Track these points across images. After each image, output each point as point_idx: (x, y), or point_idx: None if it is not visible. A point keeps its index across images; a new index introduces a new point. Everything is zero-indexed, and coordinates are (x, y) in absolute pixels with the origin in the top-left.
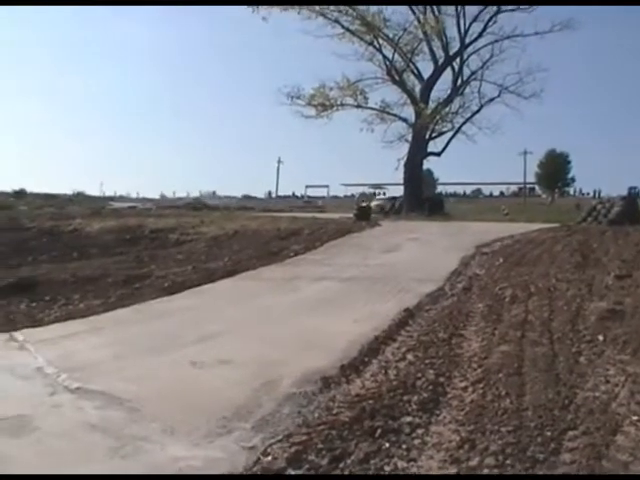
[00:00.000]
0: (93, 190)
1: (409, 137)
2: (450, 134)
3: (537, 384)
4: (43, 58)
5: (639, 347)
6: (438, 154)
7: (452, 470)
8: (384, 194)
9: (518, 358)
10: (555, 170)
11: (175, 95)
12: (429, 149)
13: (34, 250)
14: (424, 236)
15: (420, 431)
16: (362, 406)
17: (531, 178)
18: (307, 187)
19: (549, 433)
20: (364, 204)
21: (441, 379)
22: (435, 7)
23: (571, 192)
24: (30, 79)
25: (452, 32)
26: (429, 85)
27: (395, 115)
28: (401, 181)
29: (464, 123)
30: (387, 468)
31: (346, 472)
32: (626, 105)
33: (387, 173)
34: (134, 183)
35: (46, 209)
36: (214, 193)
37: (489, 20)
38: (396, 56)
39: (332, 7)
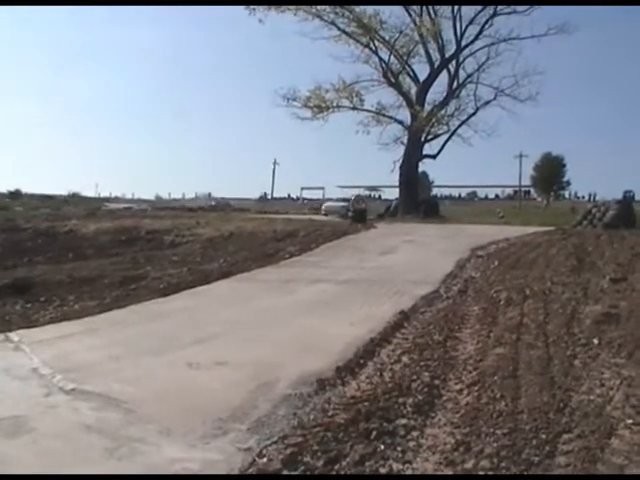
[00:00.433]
0: (89, 191)
1: (405, 139)
2: (446, 137)
3: (532, 387)
4: (39, 59)
5: (634, 350)
6: (434, 156)
7: (447, 472)
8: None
9: (513, 361)
10: (550, 173)
11: (171, 96)
12: (425, 151)
13: (30, 251)
14: (420, 239)
15: (415, 433)
16: (357, 408)
17: (527, 181)
18: (303, 189)
19: (544, 436)
20: (363, 206)
21: (436, 381)
22: (431, 9)
23: (566, 195)
24: (26, 80)
25: (448, 34)
26: (425, 87)
27: (391, 117)
28: (396, 183)
29: (460, 126)
30: (382, 470)
31: (341, 474)
32: (622, 109)
33: (383, 175)
34: (129, 184)
35: (42, 210)
36: (209, 195)
37: (485, 23)
38: (392, 58)
39: (328, 9)
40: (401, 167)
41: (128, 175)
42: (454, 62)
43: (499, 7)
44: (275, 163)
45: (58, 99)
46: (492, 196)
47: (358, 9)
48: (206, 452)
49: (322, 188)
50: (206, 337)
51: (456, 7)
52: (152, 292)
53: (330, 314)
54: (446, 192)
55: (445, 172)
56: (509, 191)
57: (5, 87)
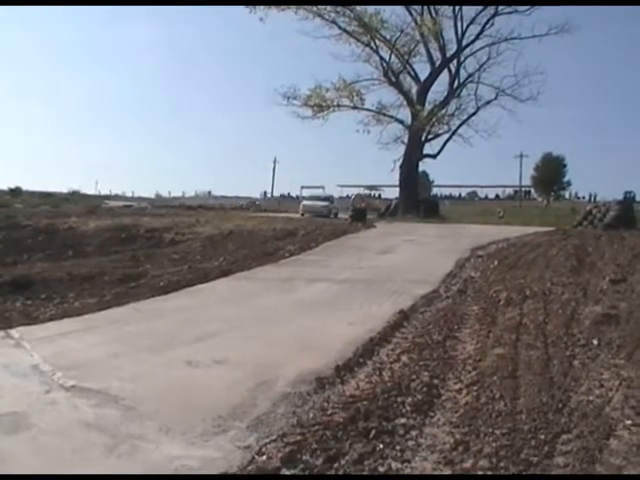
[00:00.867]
0: (88, 189)
1: (405, 139)
2: (446, 136)
3: (531, 387)
4: (39, 58)
5: (633, 351)
6: (434, 156)
7: (446, 472)
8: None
9: (512, 361)
10: (551, 174)
11: (171, 95)
12: (425, 151)
13: (30, 248)
14: (419, 238)
15: (414, 432)
16: (357, 407)
17: (527, 181)
18: (302, 188)
19: (543, 436)
20: (362, 205)
21: (435, 381)
22: (432, 9)
23: (567, 196)
24: (26, 79)
25: (449, 34)
26: (426, 87)
27: (391, 117)
28: (396, 182)
29: (460, 125)
30: (381, 469)
31: (340, 472)
32: (623, 109)
33: (383, 174)
34: (129, 182)
35: (42, 207)
36: (209, 193)
37: (486, 22)
38: (393, 57)
39: (329, 8)
40: (401, 166)
41: (128, 173)
42: (455, 61)
43: (500, 7)
44: (275, 162)
45: (58, 97)
46: (492, 196)
47: (359, 8)
48: (205, 450)
49: (322, 187)
50: (205, 335)
51: (457, 7)
52: (152, 290)
53: (329, 313)
54: (446, 192)
55: (445, 172)
56: (509, 191)
57: (6, 86)
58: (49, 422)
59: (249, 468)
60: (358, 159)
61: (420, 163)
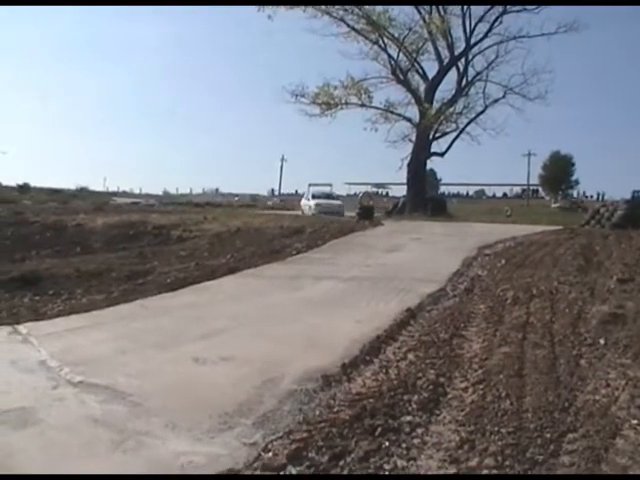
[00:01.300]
0: (96, 186)
1: (413, 137)
2: (454, 134)
3: (537, 386)
4: (49, 56)
5: None
6: (442, 154)
7: (451, 470)
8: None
9: (519, 360)
10: (559, 172)
11: (179, 93)
12: (433, 149)
13: (38, 244)
14: (426, 236)
15: (420, 430)
16: (363, 405)
17: (535, 180)
18: (310, 185)
19: (549, 435)
20: (370, 203)
21: (441, 379)
22: (441, 7)
23: (575, 195)
24: (35, 77)
25: (457, 32)
26: (434, 85)
27: (399, 115)
28: (404, 181)
29: (468, 124)
30: (387, 467)
31: (346, 470)
32: (632, 108)
33: (390, 173)
34: (137, 179)
35: (50, 204)
36: (217, 190)
37: (495, 20)
38: (401, 55)
39: (337, 6)
40: (409, 165)
41: (136, 170)
42: (463, 60)
43: (509, 5)
44: (283, 159)
45: (67, 95)
46: (500, 194)
47: (367, 6)
48: (211, 446)
49: (330, 185)
50: (212, 332)
51: (466, 5)
52: (159, 287)
53: (336, 311)
54: (454, 190)
55: (453, 170)
56: (517, 190)
57: (14, 83)
58: (57, 417)
59: (255, 465)
60: (365, 157)
61: (428, 161)
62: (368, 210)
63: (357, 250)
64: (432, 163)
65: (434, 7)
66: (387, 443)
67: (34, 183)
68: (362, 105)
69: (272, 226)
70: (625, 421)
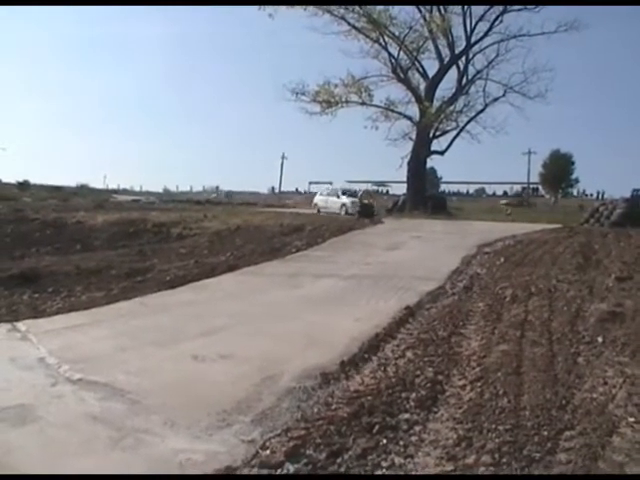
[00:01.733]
0: (97, 183)
1: (413, 135)
2: (454, 133)
3: (535, 384)
4: (50, 55)
5: (638, 349)
6: (442, 153)
7: (448, 467)
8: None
9: (517, 358)
10: (559, 171)
11: (180, 91)
12: (433, 148)
13: (38, 242)
14: (426, 234)
15: (418, 428)
16: (361, 402)
17: (535, 178)
18: (310, 183)
19: (546, 433)
20: (366, 201)
21: (440, 377)
22: (441, 6)
23: (575, 193)
24: (36, 75)
25: (458, 31)
26: (434, 83)
27: (399, 113)
28: (404, 179)
29: (468, 122)
30: (384, 464)
31: (343, 467)
32: (632, 107)
33: (391, 171)
34: (137, 177)
35: (50, 201)
36: (217, 188)
37: (495, 19)
38: (401, 54)
39: (338, 4)
40: (409, 163)
41: (136, 168)
42: (463, 58)
43: (509, 4)
44: (283, 157)
45: (68, 93)
46: (500, 193)
47: (368, 5)
48: (210, 444)
49: (330, 183)
50: (211, 330)
51: (466, 4)
52: (158, 284)
53: (336, 309)
54: (454, 188)
55: (453, 168)
56: (517, 188)
57: (15, 81)
58: (56, 415)
59: (253, 462)
60: (366, 155)
61: (428, 160)
62: (368, 208)
63: (357, 248)
64: (432, 161)
65: (435, 6)
66: (385, 440)
67: (34, 180)
68: (362, 103)
69: (272, 224)
70: (622, 419)
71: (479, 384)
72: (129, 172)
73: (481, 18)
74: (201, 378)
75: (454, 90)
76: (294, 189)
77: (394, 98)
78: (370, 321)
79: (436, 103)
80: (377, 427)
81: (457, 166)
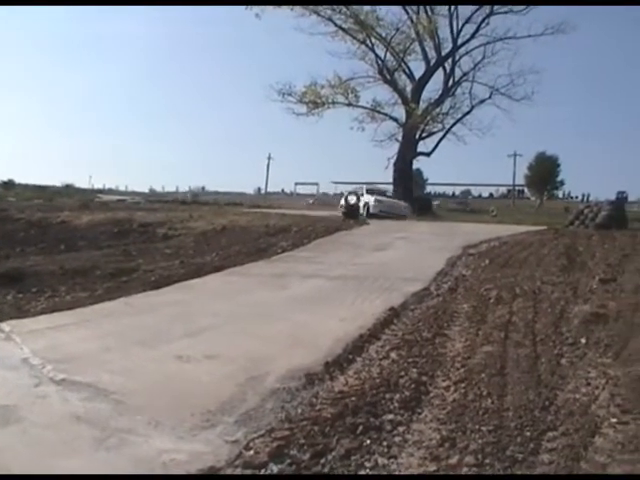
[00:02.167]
0: (82, 183)
1: (399, 137)
2: (440, 134)
3: (519, 385)
4: (33, 52)
5: (621, 350)
6: (428, 154)
7: (432, 467)
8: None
9: (501, 359)
10: (545, 173)
11: (166, 90)
12: (419, 149)
13: (22, 242)
14: (412, 235)
15: (401, 429)
16: (345, 403)
17: (521, 180)
18: (296, 184)
19: (529, 433)
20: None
21: (424, 378)
22: (428, 7)
23: (560, 195)
24: (19, 72)
25: (445, 33)
26: (420, 85)
27: (386, 114)
28: (390, 180)
29: (454, 124)
30: (368, 464)
31: (327, 467)
32: (617, 109)
33: (377, 172)
34: (123, 177)
35: (35, 201)
36: (203, 188)
37: (482, 21)
38: (388, 55)
39: (325, 5)
40: (395, 164)
41: (122, 168)
42: (450, 60)
43: (496, 6)
44: (270, 158)
45: (52, 92)
46: (486, 195)
47: (355, 5)
48: (194, 444)
49: (316, 184)
50: (197, 330)
51: (453, 5)
52: (144, 284)
53: (321, 309)
54: (440, 190)
55: (439, 170)
56: (503, 190)
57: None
58: (39, 415)
59: (236, 462)
60: (352, 156)
61: (414, 161)
62: (354, 209)
63: (343, 249)
64: (418, 163)
65: (421, 7)
66: (368, 441)
67: (19, 180)
68: (349, 104)
69: (258, 225)
70: (605, 419)
71: (463, 385)
72: (115, 172)
73: (468, 20)
74: (186, 378)
75: (440, 92)
76: (280, 190)
77: (380, 99)
78: (355, 322)
79: (422, 105)
80: (361, 428)
81: (443, 168)
